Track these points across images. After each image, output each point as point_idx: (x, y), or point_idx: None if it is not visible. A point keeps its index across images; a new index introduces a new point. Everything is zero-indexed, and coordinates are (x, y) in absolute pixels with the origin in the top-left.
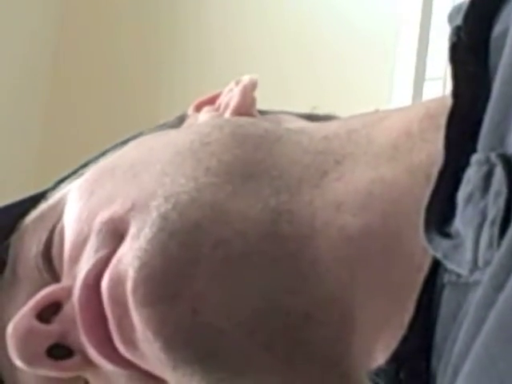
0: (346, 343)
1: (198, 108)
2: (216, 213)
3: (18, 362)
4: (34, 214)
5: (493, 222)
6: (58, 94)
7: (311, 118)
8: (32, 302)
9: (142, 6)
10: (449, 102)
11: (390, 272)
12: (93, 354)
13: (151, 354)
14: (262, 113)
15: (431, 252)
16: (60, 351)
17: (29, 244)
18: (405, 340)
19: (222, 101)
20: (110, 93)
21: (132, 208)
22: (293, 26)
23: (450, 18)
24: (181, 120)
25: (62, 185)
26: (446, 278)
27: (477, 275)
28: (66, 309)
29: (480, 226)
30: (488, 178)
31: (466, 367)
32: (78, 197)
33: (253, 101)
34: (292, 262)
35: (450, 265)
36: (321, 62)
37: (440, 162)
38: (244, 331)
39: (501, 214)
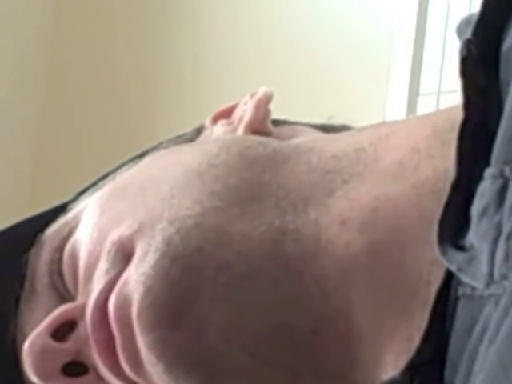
0: (353, 356)
1: (215, 120)
2: (219, 236)
3: (34, 379)
4: (52, 228)
5: (508, 236)
6: (52, 98)
7: (327, 129)
8: (47, 321)
9: (136, 10)
10: (455, 115)
11: (396, 287)
12: (104, 371)
13: (155, 375)
14: (278, 123)
15: (446, 264)
16: (75, 368)
17: (44, 259)
18: (419, 351)
19: (236, 114)
20: (105, 98)
21: (139, 230)
22: (287, 41)
23: (459, 31)
24: (198, 132)
25: (83, 196)
26: (461, 290)
27: (493, 289)
28: (80, 327)
29: (495, 240)
30: (502, 191)
31: (480, 377)
32: (90, 215)
33: (267, 114)
34: (296, 280)
35: (464, 278)
36: (315, 76)
37: (448, 176)
38: (247, 353)
39: None
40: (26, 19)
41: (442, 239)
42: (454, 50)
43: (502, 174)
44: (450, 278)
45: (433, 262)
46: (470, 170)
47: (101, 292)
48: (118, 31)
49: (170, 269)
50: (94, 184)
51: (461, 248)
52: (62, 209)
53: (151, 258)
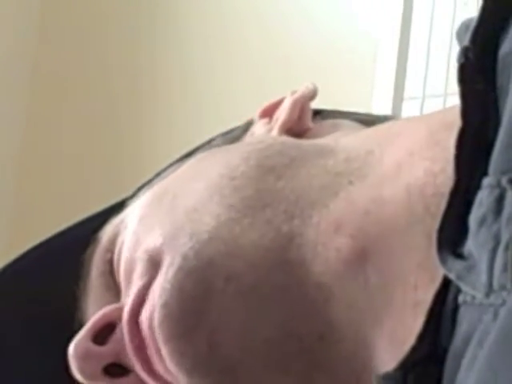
0: (363, 358)
1: (261, 115)
2: (229, 247)
3: (79, 378)
4: (105, 229)
5: (506, 247)
6: (38, 101)
7: (369, 121)
8: (89, 325)
9: (122, 13)
10: (451, 116)
11: (386, 292)
12: (143, 375)
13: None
14: (325, 115)
15: (445, 272)
16: (117, 369)
17: (97, 260)
18: (413, 350)
19: (277, 113)
20: (92, 101)
21: (163, 242)
22: (273, 44)
23: (459, 36)
24: (246, 127)
25: (140, 193)
26: (461, 298)
27: (492, 299)
28: (118, 330)
29: (494, 250)
30: (500, 201)
31: (471, 380)
32: (131, 221)
33: (304, 113)
34: (300, 288)
35: (464, 286)
36: (299, 80)
37: (438, 178)
38: (259, 360)
39: None
40: (13, 18)
41: (441, 247)
42: (438, 54)
43: (499, 184)
44: (447, 283)
45: (419, 266)
46: (469, 178)
47: (134, 300)
48: (104, 33)
49: (183, 282)
50: (150, 181)
51: (459, 256)
52: (120, 206)
53: (170, 272)
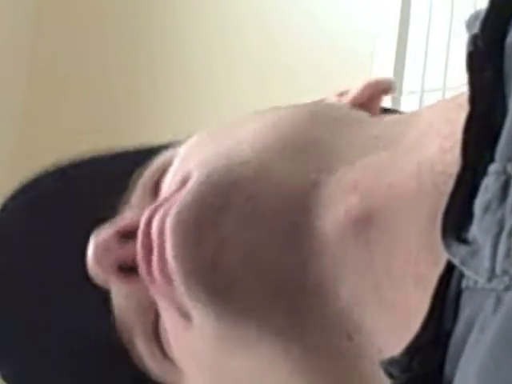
0: (356, 320)
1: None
2: (257, 175)
3: (92, 268)
4: (157, 159)
5: (510, 233)
6: (36, 91)
7: None
8: (117, 224)
9: (120, 7)
10: (462, 98)
11: (385, 258)
12: (144, 277)
13: (177, 285)
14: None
15: (449, 257)
16: (128, 269)
17: (144, 180)
18: (419, 335)
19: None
20: (89, 92)
21: (198, 164)
22: (271, 41)
23: (468, 25)
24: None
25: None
26: (464, 282)
27: (494, 283)
28: (139, 241)
29: (497, 236)
30: (505, 188)
31: (474, 371)
32: (186, 146)
33: (372, 98)
34: (306, 231)
35: (467, 271)
36: (297, 76)
37: (447, 156)
38: (257, 281)
39: None
40: (10, 7)
41: (446, 231)
42: (436, 48)
43: (505, 171)
44: (451, 268)
45: (422, 238)
46: (475, 163)
47: (154, 207)
48: (102, 27)
49: (204, 194)
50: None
51: (463, 241)
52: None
53: (195, 185)
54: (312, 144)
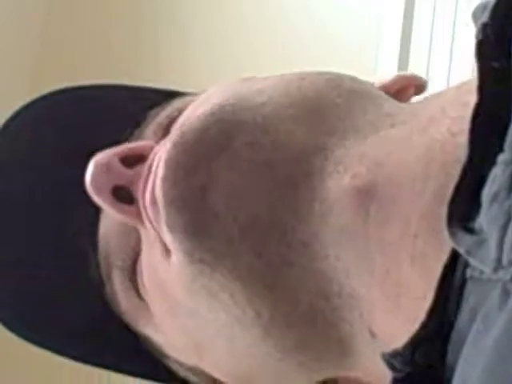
0: (341, 285)
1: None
2: (266, 123)
3: (89, 187)
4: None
5: None
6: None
7: None
8: (123, 146)
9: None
10: (472, 85)
11: (382, 230)
12: (138, 199)
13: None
14: None
15: (454, 247)
16: (125, 197)
17: (160, 117)
18: (423, 326)
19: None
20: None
21: (213, 103)
22: (274, 42)
23: (475, 17)
24: None
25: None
26: (469, 272)
27: (500, 274)
28: (145, 163)
29: (505, 227)
30: None
31: (480, 366)
32: (200, 95)
33: (404, 90)
34: (307, 191)
35: (473, 261)
36: (298, 64)
37: (455, 141)
38: (237, 225)
39: None
40: None
41: (451, 221)
42: (439, 48)
43: None
44: (456, 257)
45: (423, 217)
46: (482, 153)
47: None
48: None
49: (210, 125)
50: None
51: (470, 230)
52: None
53: (202, 115)
54: (328, 109)
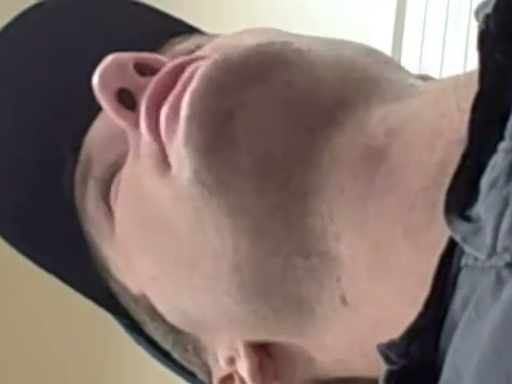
0: (324, 245)
1: None
2: (305, 67)
3: (95, 82)
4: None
5: None
6: None
7: None
8: (141, 53)
9: None
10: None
11: (384, 197)
12: (142, 113)
13: (180, 123)
14: None
15: (451, 234)
16: (127, 104)
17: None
18: (420, 316)
19: None
20: None
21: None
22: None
23: (477, 13)
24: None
25: None
26: (464, 260)
27: (494, 260)
28: (158, 75)
29: (501, 213)
30: None
31: (474, 358)
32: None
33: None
34: (324, 141)
35: (468, 248)
36: None
37: (464, 117)
38: (250, 158)
39: None
40: None
41: (449, 208)
42: (431, 48)
43: None
44: (453, 246)
45: (423, 190)
46: (482, 142)
47: (191, 57)
48: None
49: (253, 53)
50: None
51: (467, 219)
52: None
53: (245, 45)
54: (361, 70)
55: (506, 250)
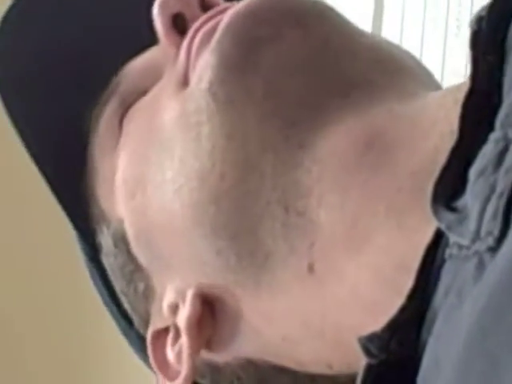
0: (311, 214)
1: None
2: (341, 42)
3: (156, 2)
4: None
5: (500, 195)
6: None
7: None
8: None
9: None
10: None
11: (372, 177)
12: (188, 35)
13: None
14: None
15: (436, 223)
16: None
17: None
18: (402, 309)
19: None
20: None
21: None
22: None
23: (471, 24)
24: None
25: None
26: (448, 252)
27: (477, 245)
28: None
29: (487, 199)
30: (503, 153)
31: (457, 344)
32: None
33: None
34: (333, 112)
35: (452, 236)
36: None
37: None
38: (265, 88)
39: (509, 187)
40: None
41: (436, 199)
42: (409, 45)
43: (505, 137)
44: (439, 240)
45: (412, 174)
46: (473, 136)
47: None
48: None
49: (302, 1)
50: None
51: (454, 210)
52: None
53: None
54: (394, 63)
55: (489, 233)
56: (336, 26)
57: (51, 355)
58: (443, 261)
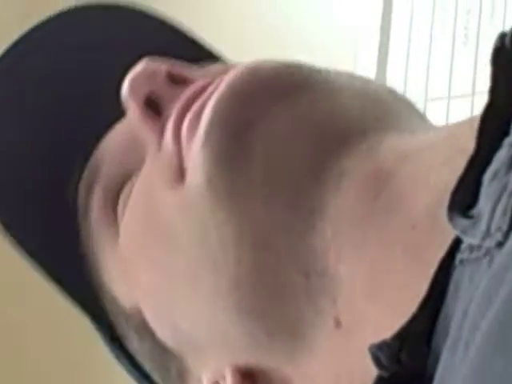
0: (325, 265)
1: None
2: (332, 91)
3: (126, 85)
4: None
5: (511, 193)
6: None
7: None
8: (175, 63)
9: None
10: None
11: (387, 219)
12: (171, 120)
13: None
14: None
15: (452, 230)
16: (155, 110)
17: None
18: (413, 318)
19: None
20: None
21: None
22: (251, 49)
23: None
24: None
25: None
26: (458, 258)
27: (487, 243)
28: (189, 88)
29: (499, 198)
30: None
31: (478, 341)
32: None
33: None
34: (336, 163)
35: (466, 239)
36: None
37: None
38: (263, 171)
39: None
40: None
41: (452, 208)
42: (416, 62)
43: None
44: (454, 253)
45: (425, 208)
46: (490, 149)
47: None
48: None
49: (284, 69)
50: None
51: (470, 217)
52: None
53: (274, 62)
54: (383, 104)
55: (498, 229)
56: (318, 88)
57: (54, 355)
58: (454, 268)
